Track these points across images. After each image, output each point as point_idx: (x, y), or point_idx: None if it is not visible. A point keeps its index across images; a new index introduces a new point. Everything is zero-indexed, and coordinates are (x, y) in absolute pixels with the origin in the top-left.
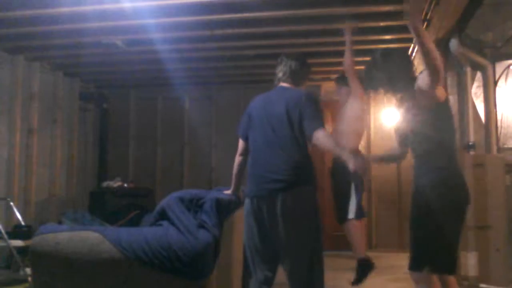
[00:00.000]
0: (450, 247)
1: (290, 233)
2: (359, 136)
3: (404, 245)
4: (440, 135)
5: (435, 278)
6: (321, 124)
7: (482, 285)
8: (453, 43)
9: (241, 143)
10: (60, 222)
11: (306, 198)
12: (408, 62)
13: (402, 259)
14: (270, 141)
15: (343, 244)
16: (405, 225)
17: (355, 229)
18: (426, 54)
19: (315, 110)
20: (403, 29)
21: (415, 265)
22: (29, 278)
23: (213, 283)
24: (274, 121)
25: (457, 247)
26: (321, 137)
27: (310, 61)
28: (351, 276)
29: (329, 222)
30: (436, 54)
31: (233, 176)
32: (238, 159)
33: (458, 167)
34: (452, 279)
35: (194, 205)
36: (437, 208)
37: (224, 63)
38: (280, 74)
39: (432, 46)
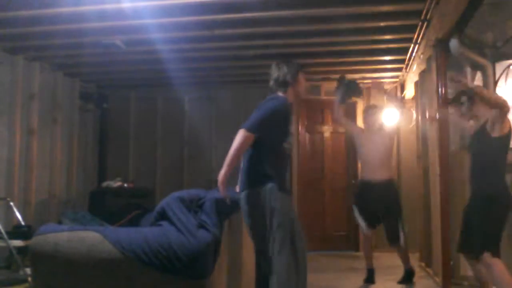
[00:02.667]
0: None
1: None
2: None
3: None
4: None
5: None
6: (246, 125)
7: None
8: (453, 43)
9: None
10: (60, 222)
11: (248, 201)
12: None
13: None
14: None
15: (343, 244)
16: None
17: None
18: (488, 101)
19: (257, 113)
20: (403, 29)
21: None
22: (29, 278)
23: (213, 283)
24: None
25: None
26: (235, 137)
27: (310, 61)
28: (352, 276)
29: (330, 222)
30: (493, 95)
31: None
32: None
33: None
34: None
35: (194, 205)
36: (494, 209)
37: (224, 63)
38: (270, 83)
39: (488, 94)
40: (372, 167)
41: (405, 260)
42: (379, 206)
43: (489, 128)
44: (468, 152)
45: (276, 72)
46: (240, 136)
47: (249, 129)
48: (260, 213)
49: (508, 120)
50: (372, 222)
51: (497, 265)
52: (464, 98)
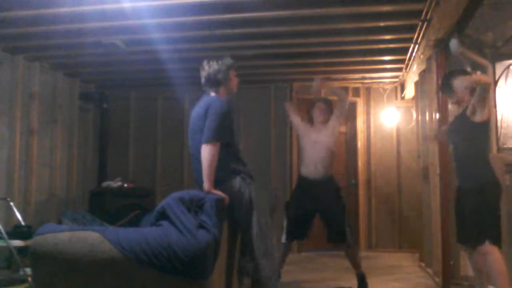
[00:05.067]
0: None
1: None
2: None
3: (404, 245)
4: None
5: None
6: (210, 137)
7: None
8: (453, 43)
9: None
10: (60, 222)
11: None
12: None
13: (402, 259)
14: (194, 150)
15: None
16: (405, 225)
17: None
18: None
19: (213, 121)
20: (403, 29)
21: (480, 239)
22: (29, 278)
23: (213, 283)
24: (193, 132)
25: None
26: (202, 152)
27: (310, 61)
28: (352, 276)
29: None
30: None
31: None
32: None
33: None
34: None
35: (194, 205)
36: (486, 197)
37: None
38: (202, 81)
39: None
40: (309, 163)
41: (355, 263)
42: (315, 204)
43: (470, 113)
44: (448, 140)
45: (206, 70)
46: (208, 150)
47: (213, 140)
48: (238, 203)
49: (489, 107)
50: (297, 229)
51: (494, 254)
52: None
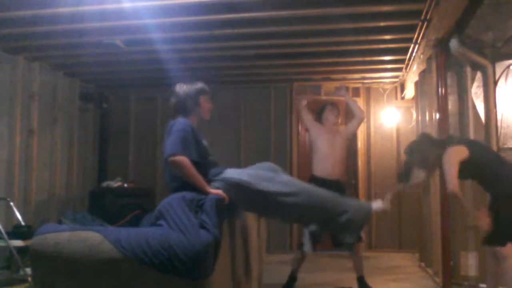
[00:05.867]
0: None
1: None
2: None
3: (404, 245)
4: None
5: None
6: (169, 151)
7: (482, 285)
8: (453, 43)
9: None
10: (60, 222)
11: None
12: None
13: (402, 259)
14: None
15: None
16: (405, 225)
17: None
18: None
19: (173, 135)
20: (403, 29)
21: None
22: (29, 278)
23: (213, 283)
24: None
25: None
26: (172, 170)
27: (310, 61)
28: (352, 276)
29: None
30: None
31: None
32: None
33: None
34: None
35: (194, 205)
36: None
37: (224, 63)
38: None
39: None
40: (327, 164)
41: (358, 267)
42: None
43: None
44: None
45: (175, 97)
46: (175, 165)
47: (174, 153)
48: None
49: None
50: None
51: None
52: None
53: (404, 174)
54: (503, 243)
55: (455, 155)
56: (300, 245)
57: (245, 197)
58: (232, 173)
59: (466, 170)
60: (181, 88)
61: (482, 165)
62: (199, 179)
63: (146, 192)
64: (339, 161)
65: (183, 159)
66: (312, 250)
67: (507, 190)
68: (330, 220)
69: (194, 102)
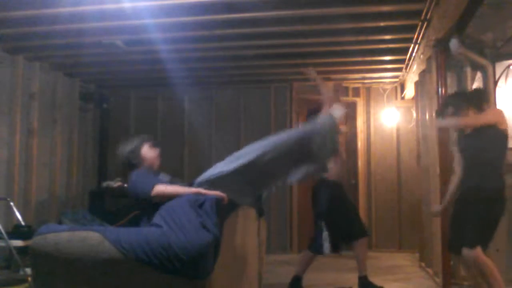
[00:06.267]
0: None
1: None
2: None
3: (404, 245)
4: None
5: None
6: (145, 188)
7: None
8: (453, 43)
9: None
10: (60, 222)
11: None
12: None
13: (402, 259)
14: None
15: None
16: (405, 225)
17: None
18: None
19: (138, 181)
20: (403, 29)
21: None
22: (29, 278)
23: (213, 283)
24: None
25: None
26: (158, 194)
27: (310, 61)
28: (352, 276)
29: None
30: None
31: None
32: None
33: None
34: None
35: (194, 205)
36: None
37: (224, 63)
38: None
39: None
40: (340, 168)
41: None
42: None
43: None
44: (458, 147)
45: (119, 159)
46: (161, 193)
47: (149, 189)
48: None
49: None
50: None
51: (487, 260)
52: (450, 110)
53: (441, 111)
54: (471, 245)
55: (498, 115)
56: (312, 246)
57: (230, 183)
58: (206, 175)
59: (477, 137)
60: (123, 149)
61: (493, 148)
62: (186, 189)
63: None
64: (344, 163)
65: (159, 187)
66: (331, 251)
67: (484, 192)
68: (311, 154)
69: (137, 158)
